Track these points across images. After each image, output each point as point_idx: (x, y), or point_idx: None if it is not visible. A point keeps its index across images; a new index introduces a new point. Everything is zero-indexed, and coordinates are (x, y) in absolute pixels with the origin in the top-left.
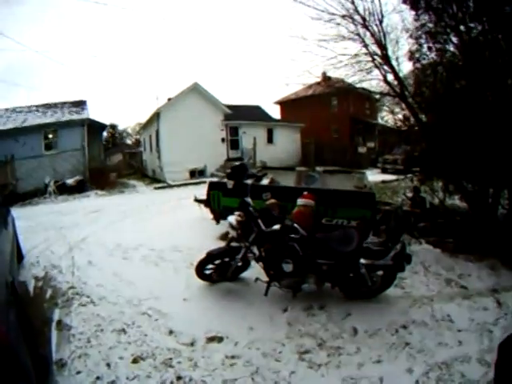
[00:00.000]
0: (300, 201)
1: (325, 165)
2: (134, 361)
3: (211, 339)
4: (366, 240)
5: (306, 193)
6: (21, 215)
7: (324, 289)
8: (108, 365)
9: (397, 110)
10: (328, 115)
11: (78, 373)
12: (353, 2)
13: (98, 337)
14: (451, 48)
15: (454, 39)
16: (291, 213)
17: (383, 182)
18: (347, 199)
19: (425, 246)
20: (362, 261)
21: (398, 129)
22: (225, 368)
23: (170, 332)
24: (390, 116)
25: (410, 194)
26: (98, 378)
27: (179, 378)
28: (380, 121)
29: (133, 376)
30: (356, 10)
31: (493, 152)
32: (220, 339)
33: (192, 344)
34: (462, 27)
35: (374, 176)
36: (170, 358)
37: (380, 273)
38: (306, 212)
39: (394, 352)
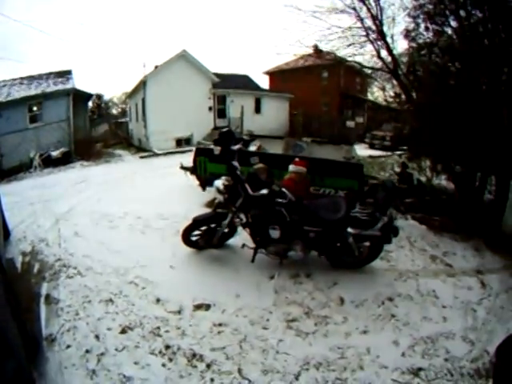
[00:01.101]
0: (292, 167)
1: (312, 137)
2: (123, 331)
3: (198, 307)
4: (353, 209)
5: (297, 159)
6: (6, 191)
7: (310, 257)
8: (97, 337)
9: (388, 86)
10: (318, 88)
11: (68, 347)
12: None
13: (85, 309)
14: (449, 31)
15: (453, 23)
16: (282, 179)
17: (370, 157)
18: (335, 169)
19: (411, 222)
20: (350, 230)
21: (388, 106)
22: (213, 336)
23: (157, 300)
24: (380, 93)
25: (397, 170)
26: (87, 351)
27: (167, 347)
28: (370, 97)
29: (122, 347)
30: None
31: (483, 137)
32: (207, 307)
33: (179, 312)
34: (462, 12)
35: (361, 151)
36: (158, 327)
37: (367, 244)
38: (297, 178)
39: (381, 323)
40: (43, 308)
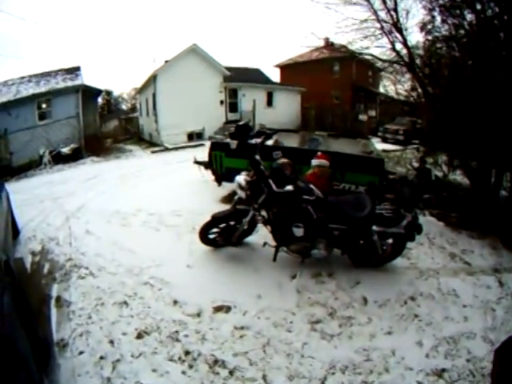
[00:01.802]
0: (315, 161)
1: (325, 130)
2: (139, 336)
3: (218, 309)
4: (378, 206)
5: (320, 153)
6: (15, 189)
7: (332, 255)
8: (111, 342)
9: (402, 80)
10: (330, 81)
11: (81, 353)
12: None
13: (98, 312)
14: (465, 24)
15: (469, 16)
16: (304, 174)
17: (384, 151)
18: (356, 164)
19: (429, 218)
20: (375, 228)
21: (401, 99)
22: (234, 340)
23: (175, 302)
24: (392, 86)
25: (415, 165)
26: (101, 357)
27: (187, 352)
28: (382, 90)
29: (138, 353)
30: None
31: (499, 133)
32: (228, 309)
33: (198, 315)
34: (478, 5)
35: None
36: (177, 331)
37: (390, 241)
38: (320, 173)
39: (404, 324)
40: (54, 311)
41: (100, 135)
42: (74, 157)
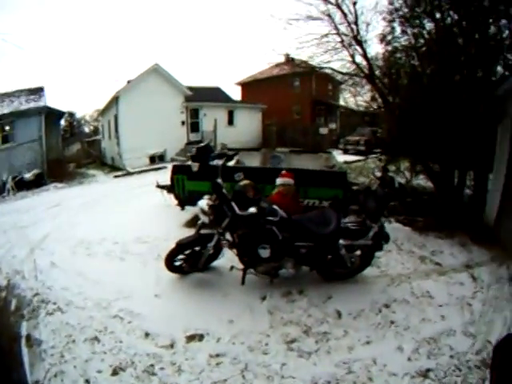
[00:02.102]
0: (279, 180)
1: (286, 146)
2: (114, 372)
3: (191, 338)
4: (343, 220)
5: (284, 171)
6: None
7: (301, 272)
8: (87, 381)
9: (362, 91)
10: (290, 96)
11: None
12: None
13: (70, 350)
14: (425, 33)
15: (428, 25)
16: (270, 194)
17: (346, 162)
18: (319, 179)
19: (395, 225)
20: (342, 241)
21: (362, 110)
22: (211, 369)
23: (147, 335)
24: (352, 98)
25: (378, 174)
26: None
27: None
28: (342, 103)
29: None
30: None
31: (460, 134)
32: (201, 337)
33: (172, 346)
34: (437, 14)
35: (336, 157)
36: (152, 365)
37: (358, 253)
38: (286, 192)
39: (381, 331)
40: (25, 351)
41: (63, 160)
42: (37, 183)
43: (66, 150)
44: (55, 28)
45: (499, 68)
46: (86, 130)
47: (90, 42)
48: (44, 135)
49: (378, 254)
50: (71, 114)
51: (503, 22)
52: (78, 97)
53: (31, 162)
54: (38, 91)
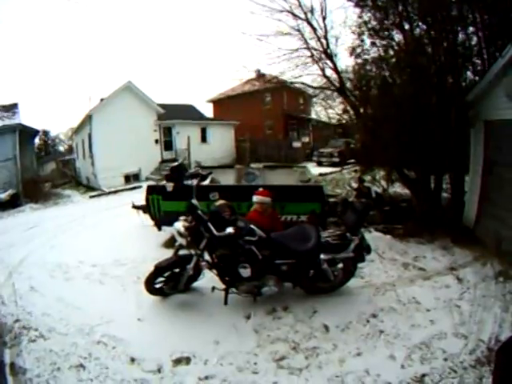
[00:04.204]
0: (256, 198)
1: (260, 161)
2: None
3: (178, 361)
4: (323, 235)
5: (260, 189)
6: None
7: (284, 289)
8: None
9: (334, 104)
10: (262, 112)
11: None
12: None
13: (56, 378)
14: (394, 45)
15: (397, 36)
16: (247, 212)
17: (321, 174)
18: (296, 194)
19: (375, 234)
20: (323, 256)
21: (335, 123)
22: None
23: (132, 360)
24: (324, 111)
25: (354, 185)
26: None
27: None
28: (314, 116)
29: None
30: (300, 6)
31: (434, 140)
32: (187, 360)
33: (159, 370)
34: (406, 25)
35: (310, 169)
36: None
37: (340, 266)
38: (263, 209)
39: (371, 342)
40: (10, 380)
41: (38, 179)
42: (13, 203)
43: (41, 169)
44: (27, 44)
45: (469, 73)
46: (61, 148)
47: (62, 59)
48: (18, 154)
49: (360, 264)
50: (45, 133)
51: (471, 29)
52: (51, 115)
53: (6, 182)
54: (11, 108)
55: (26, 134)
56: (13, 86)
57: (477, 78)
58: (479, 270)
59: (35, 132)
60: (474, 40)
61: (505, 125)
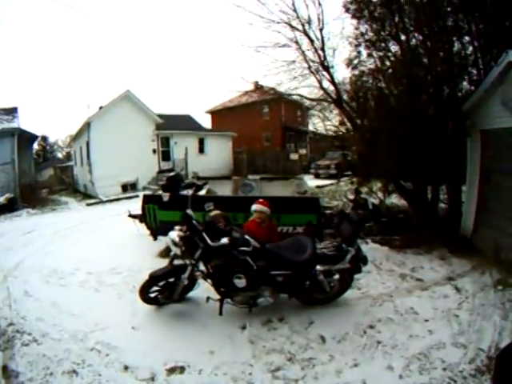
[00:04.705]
0: (255, 206)
1: (257, 173)
2: None
3: (172, 370)
4: (319, 246)
5: (261, 199)
6: None
7: (280, 299)
8: None
9: (331, 116)
10: (260, 123)
11: None
12: (295, 10)
13: (48, 382)
14: (390, 56)
15: (394, 47)
16: (245, 222)
17: (318, 187)
18: (292, 205)
19: (372, 246)
20: (319, 267)
21: (332, 134)
22: None
23: (126, 368)
24: (321, 123)
25: (351, 197)
26: None
27: None
28: (311, 128)
29: None
30: (297, 17)
31: (431, 151)
32: (182, 369)
33: (153, 379)
34: (402, 36)
35: (307, 182)
36: None
37: (337, 277)
38: (260, 220)
39: (369, 352)
40: (3, 383)
41: (35, 185)
42: (10, 207)
43: (39, 175)
44: (28, 51)
45: (465, 83)
46: (59, 155)
47: (62, 65)
48: (17, 158)
49: (357, 275)
50: (44, 138)
51: (466, 38)
52: (51, 121)
53: (3, 186)
54: (11, 111)
55: (24, 138)
56: (13, 91)
57: (473, 87)
58: (478, 279)
59: (34, 137)
60: (470, 49)
61: (501, 133)
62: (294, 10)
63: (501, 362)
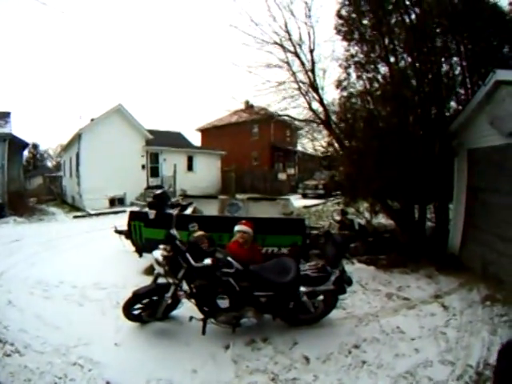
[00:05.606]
0: (238, 227)
1: (245, 192)
2: None
3: None
4: (303, 267)
5: (244, 221)
6: None
7: (264, 319)
8: None
9: (319, 136)
10: (249, 143)
11: None
12: (287, 31)
13: None
14: (379, 78)
15: (383, 69)
16: (228, 243)
17: (305, 207)
18: (277, 226)
19: (358, 266)
20: (303, 289)
21: (319, 155)
22: None
23: None
24: (310, 144)
25: (337, 217)
26: None
27: None
28: (300, 148)
29: None
30: (289, 39)
31: (417, 172)
32: None
33: None
34: (391, 58)
35: (295, 202)
36: None
37: (321, 298)
38: (243, 240)
39: (354, 372)
40: None
41: (24, 193)
42: None
43: (28, 183)
44: (22, 58)
45: (453, 103)
46: (49, 164)
47: (56, 73)
48: (6, 164)
49: (342, 296)
50: (35, 146)
51: (455, 59)
52: (42, 129)
53: None
54: (3, 116)
55: (15, 144)
56: (5, 97)
57: (460, 107)
58: (465, 295)
59: (25, 144)
60: (458, 70)
61: (488, 151)
62: (287, 32)
63: (502, 358)
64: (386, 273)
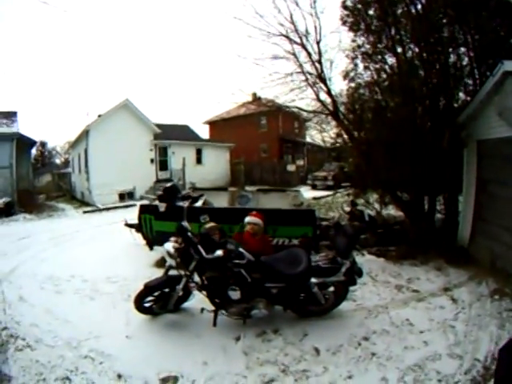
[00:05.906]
0: (248, 218)
1: (254, 184)
2: None
3: (165, 380)
4: (314, 258)
5: (254, 212)
6: None
7: (275, 311)
8: None
9: (328, 128)
10: (257, 135)
11: None
12: (292, 23)
13: None
14: (387, 68)
15: (390, 60)
16: (237, 233)
17: (314, 198)
18: (288, 218)
19: (368, 257)
20: (314, 280)
21: (329, 146)
22: None
23: (119, 376)
24: (319, 135)
25: (347, 209)
26: None
27: None
28: (309, 139)
29: None
30: (295, 30)
31: (427, 163)
32: (175, 379)
33: None
34: (399, 49)
35: (305, 193)
36: None
37: (332, 289)
38: (253, 231)
39: (363, 364)
40: None
41: (33, 190)
42: (7, 212)
43: (37, 180)
44: (29, 56)
45: (461, 94)
46: (58, 161)
47: (62, 71)
48: (15, 163)
49: (352, 287)
50: (43, 144)
51: (462, 49)
52: (50, 126)
53: (1, 190)
54: (10, 115)
55: (23, 143)
56: (12, 95)
57: (469, 98)
58: (474, 289)
59: (33, 142)
60: (466, 60)
61: (497, 143)
62: (292, 23)
63: (504, 355)
64: (396, 265)
